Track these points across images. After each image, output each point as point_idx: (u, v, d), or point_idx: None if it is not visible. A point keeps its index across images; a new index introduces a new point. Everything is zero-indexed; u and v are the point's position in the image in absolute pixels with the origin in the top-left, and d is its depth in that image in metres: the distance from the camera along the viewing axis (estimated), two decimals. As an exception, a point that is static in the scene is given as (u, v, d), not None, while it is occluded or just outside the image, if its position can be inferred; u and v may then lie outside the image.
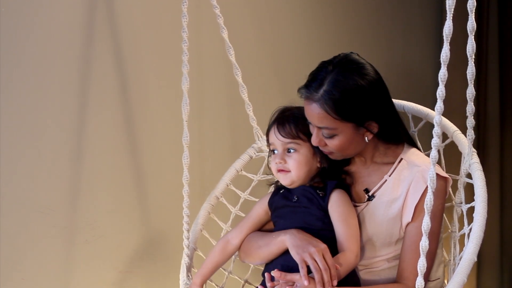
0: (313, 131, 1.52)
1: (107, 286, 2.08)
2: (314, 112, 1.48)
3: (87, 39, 1.97)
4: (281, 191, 1.63)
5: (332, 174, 1.58)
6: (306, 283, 1.40)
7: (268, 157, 1.65)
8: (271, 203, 1.63)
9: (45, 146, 1.91)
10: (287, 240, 1.50)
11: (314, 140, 1.52)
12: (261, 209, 1.65)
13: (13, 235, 1.89)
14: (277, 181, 1.67)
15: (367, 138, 1.53)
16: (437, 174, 1.51)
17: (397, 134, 1.59)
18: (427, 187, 1.48)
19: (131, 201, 2.13)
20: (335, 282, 1.41)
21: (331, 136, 1.50)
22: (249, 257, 1.61)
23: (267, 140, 1.61)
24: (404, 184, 1.55)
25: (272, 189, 1.68)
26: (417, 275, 1.27)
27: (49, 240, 1.96)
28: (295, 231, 1.51)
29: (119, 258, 2.10)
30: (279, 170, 1.56)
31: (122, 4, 2.02)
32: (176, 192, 1.93)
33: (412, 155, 1.59)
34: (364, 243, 1.57)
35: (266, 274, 1.49)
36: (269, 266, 1.56)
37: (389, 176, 1.58)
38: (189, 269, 1.72)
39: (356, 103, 1.47)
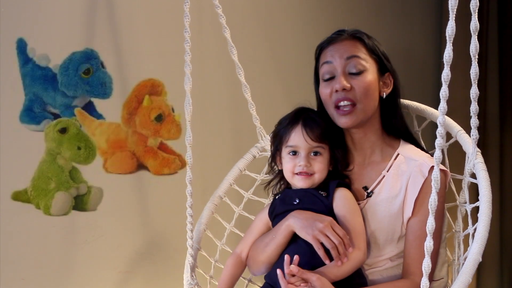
0: (339, 72, 1.56)
1: (107, 286, 2.08)
2: (347, 45, 1.58)
3: (88, 39, 1.97)
4: (277, 197, 1.62)
5: (334, 176, 1.58)
6: (328, 262, 1.43)
7: (277, 157, 1.62)
8: (271, 212, 1.61)
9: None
10: (292, 224, 1.49)
11: (341, 81, 1.54)
12: (260, 223, 1.63)
13: (13, 235, 1.88)
14: (271, 182, 1.66)
15: (385, 94, 1.59)
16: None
17: (396, 127, 1.63)
18: (425, 180, 1.51)
19: (131, 200, 2.12)
20: (350, 249, 1.44)
21: (360, 72, 1.54)
22: (258, 261, 1.58)
23: (285, 141, 1.57)
24: (402, 179, 1.56)
25: (269, 200, 1.66)
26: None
27: (49, 240, 1.95)
28: (295, 213, 1.51)
29: (119, 258, 2.09)
30: (301, 173, 1.54)
31: (123, 4, 2.02)
32: (177, 192, 1.92)
33: (409, 150, 1.61)
34: (367, 241, 1.56)
35: (279, 271, 1.44)
36: (275, 265, 1.53)
37: (387, 171, 1.59)
38: (193, 269, 1.71)
39: (379, 48, 1.61)
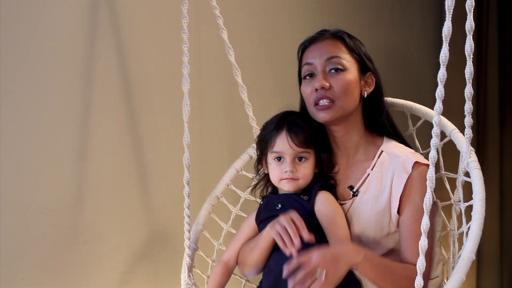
0: (319, 71, 1.58)
1: (107, 286, 2.08)
2: (328, 44, 1.60)
3: (88, 40, 1.98)
4: (261, 202, 1.63)
5: (320, 179, 1.59)
6: (287, 251, 1.43)
7: (263, 161, 1.62)
8: (257, 217, 1.62)
9: (46, 146, 1.91)
10: (268, 227, 1.51)
11: (320, 80, 1.56)
12: (248, 228, 1.64)
13: (13, 235, 1.89)
14: (257, 184, 1.67)
15: (366, 93, 1.61)
16: (418, 162, 1.54)
17: (381, 125, 1.64)
18: (409, 176, 1.52)
19: (131, 201, 2.13)
20: (305, 236, 1.42)
21: (339, 71, 1.56)
22: (246, 265, 1.60)
23: (270, 146, 1.57)
24: (387, 176, 1.57)
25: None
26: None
27: (49, 240, 1.96)
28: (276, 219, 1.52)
29: (119, 258, 2.10)
30: (287, 178, 1.55)
31: (123, 6, 2.03)
32: (176, 192, 1.93)
33: (392, 146, 1.62)
34: (355, 241, 1.57)
35: (285, 266, 1.39)
36: (265, 272, 1.55)
37: (371, 169, 1.60)
38: (190, 269, 1.72)
39: (361, 48, 1.63)
